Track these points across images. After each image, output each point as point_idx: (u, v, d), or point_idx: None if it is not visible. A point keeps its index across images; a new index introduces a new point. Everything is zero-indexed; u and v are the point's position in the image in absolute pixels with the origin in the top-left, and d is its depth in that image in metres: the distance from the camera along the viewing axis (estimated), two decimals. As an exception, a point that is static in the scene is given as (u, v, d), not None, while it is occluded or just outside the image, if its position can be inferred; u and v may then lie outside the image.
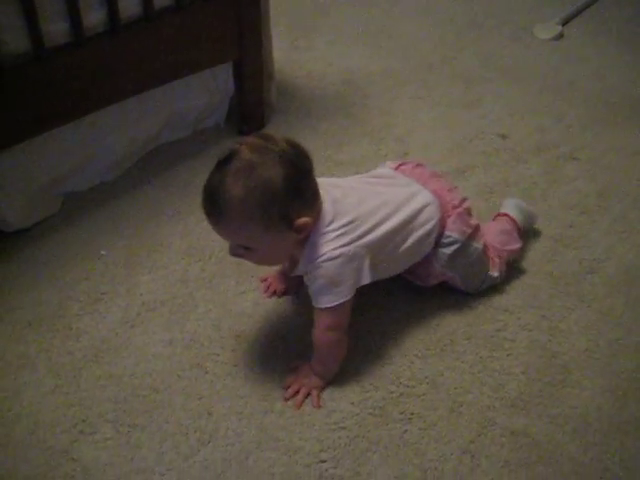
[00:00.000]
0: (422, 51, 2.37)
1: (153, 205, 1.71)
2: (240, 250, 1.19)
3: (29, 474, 1.16)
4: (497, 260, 1.46)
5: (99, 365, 1.34)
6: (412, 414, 1.26)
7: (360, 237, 1.22)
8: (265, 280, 1.49)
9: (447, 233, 1.35)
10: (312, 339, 1.27)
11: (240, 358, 1.35)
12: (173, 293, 1.47)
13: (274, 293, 1.47)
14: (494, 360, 1.35)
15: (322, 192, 1.22)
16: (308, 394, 1.27)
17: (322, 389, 1.29)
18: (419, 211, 1.32)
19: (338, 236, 1.20)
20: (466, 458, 1.19)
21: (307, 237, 1.20)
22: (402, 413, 1.26)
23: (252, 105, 1.91)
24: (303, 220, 1.16)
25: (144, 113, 1.74)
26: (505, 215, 1.56)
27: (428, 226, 1.32)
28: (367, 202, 1.27)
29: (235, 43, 1.77)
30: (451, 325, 1.41)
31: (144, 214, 1.68)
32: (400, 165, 1.42)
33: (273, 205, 1.12)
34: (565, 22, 2.52)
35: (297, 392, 1.27)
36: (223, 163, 1.13)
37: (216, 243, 1.58)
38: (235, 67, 1.85)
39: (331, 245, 1.19)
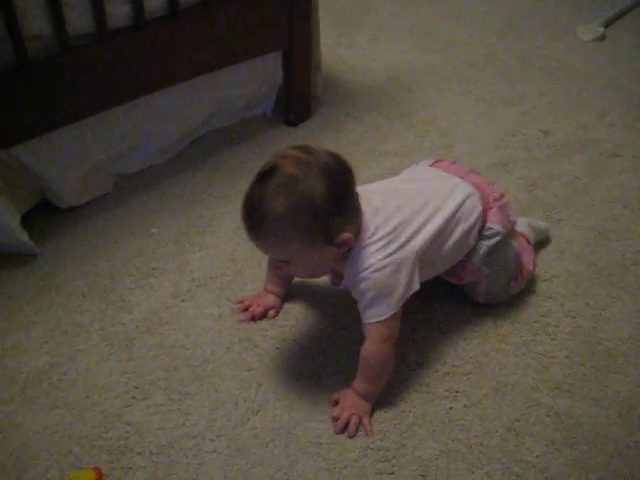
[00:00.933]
0: (464, 49, 2.40)
1: (202, 188, 1.75)
2: (280, 262, 1.17)
3: (86, 434, 1.20)
4: (520, 276, 1.41)
5: (151, 336, 1.37)
6: (457, 392, 1.28)
7: (406, 242, 1.19)
8: (241, 302, 1.43)
9: (489, 225, 1.32)
10: (361, 356, 1.21)
11: (288, 333, 1.38)
12: (222, 271, 1.51)
13: (253, 318, 1.40)
14: (538, 344, 1.37)
15: (363, 202, 1.19)
16: (360, 422, 1.21)
17: (371, 414, 1.23)
18: (462, 203, 1.29)
19: (383, 246, 1.17)
20: (511, 435, 1.21)
21: (349, 250, 1.17)
22: (447, 390, 1.28)
23: (299, 95, 1.95)
24: (345, 236, 1.12)
25: (195, 99, 1.78)
26: (520, 235, 1.48)
27: (472, 218, 1.30)
28: (409, 204, 1.24)
29: (286, 33, 1.81)
30: (495, 310, 1.43)
31: (193, 196, 1.72)
32: (436, 162, 1.41)
33: (314, 221, 1.09)
34: (608, 24, 2.54)
35: (347, 423, 1.21)
36: (264, 177, 1.10)
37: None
38: (284, 57, 1.89)
39: (377, 256, 1.16)
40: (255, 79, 1.90)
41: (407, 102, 2.11)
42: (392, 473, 1.15)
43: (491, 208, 1.33)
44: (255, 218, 1.11)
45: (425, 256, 1.22)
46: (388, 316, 1.17)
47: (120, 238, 1.59)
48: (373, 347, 1.19)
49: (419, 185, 1.33)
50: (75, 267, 1.52)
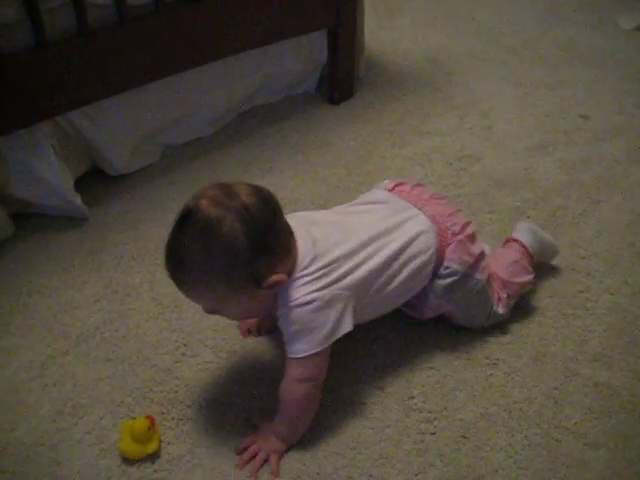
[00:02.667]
0: (504, 35, 2.43)
1: (247, 160, 1.79)
2: (212, 309, 1.12)
3: (137, 387, 1.24)
4: (503, 295, 1.32)
5: (199, 298, 1.41)
6: (497, 360, 1.31)
7: (340, 279, 1.11)
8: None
9: (446, 263, 1.22)
10: (279, 393, 1.14)
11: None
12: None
13: (248, 332, 1.33)
14: (577, 318, 1.39)
15: (301, 233, 1.12)
16: (266, 460, 1.13)
17: (282, 454, 1.14)
18: (413, 240, 1.20)
19: (313, 280, 1.09)
20: (550, 403, 1.23)
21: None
22: (487, 358, 1.31)
23: (343, 75, 1.98)
24: (274, 278, 1.05)
25: (243, 73, 1.83)
26: (515, 241, 1.41)
27: (424, 257, 1.20)
28: (352, 238, 1.16)
29: (332, 12, 1.85)
30: (534, 284, 1.45)
31: (238, 168, 1.76)
32: (397, 185, 1.31)
33: (237, 267, 1.02)
34: (649, 14, 2.55)
35: (254, 456, 1.13)
36: (182, 222, 1.04)
37: (308, 197, 1.66)
38: (330, 36, 1.92)
39: (304, 289, 1.08)
40: (301, 57, 1.93)
41: (447, 84, 2.14)
42: (434, 433, 1.18)
43: (449, 244, 1.23)
44: (175, 266, 1.05)
45: (365, 295, 1.15)
46: (307, 354, 1.09)
47: (167, 204, 1.63)
48: (286, 385, 1.13)
49: (367, 217, 1.23)
50: (124, 231, 1.57)
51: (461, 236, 1.24)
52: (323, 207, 1.63)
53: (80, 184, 1.61)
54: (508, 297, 1.34)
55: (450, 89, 2.12)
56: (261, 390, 1.24)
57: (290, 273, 1.08)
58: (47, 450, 1.15)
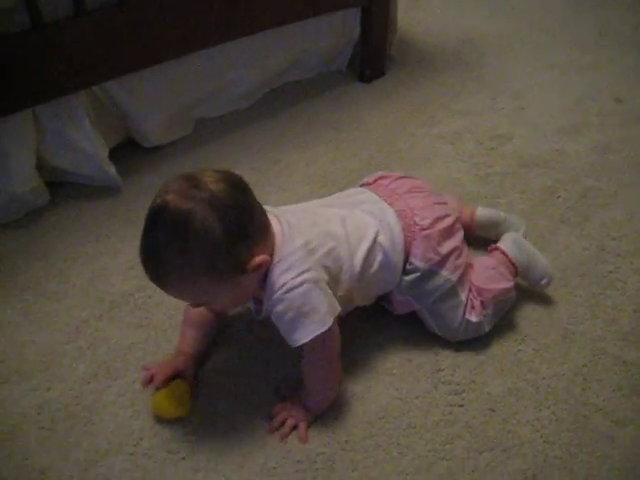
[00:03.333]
0: (537, 16, 2.42)
1: (279, 135, 1.80)
2: (199, 303, 1.10)
3: (170, 353, 1.26)
4: (476, 302, 1.26)
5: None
6: (526, 336, 1.31)
7: (319, 260, 1.10)
8: (147, 369, 1.21)
9: (410, 259, 1.22)
10: (302, 370, 1.16)
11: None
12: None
13: (150, 381, 1.18)
14: (607, 297, 1.39)
15: (273, 219, 1.11)
16: (295, 427, 1.15)
17: (310, 423, 1.16)
18: (377, 234, 1.20)
19: (296, 261, 1.07)
20: (578, 379, 1.24)
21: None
22: (516, 334, 1.31)
23: (375, 52, 1.99)
24: (257, 260, 1.03)
25: (276, 48, 1.83)
26: (497, 249, 1.34)
27: (388, 251, 1.20)
28: (324, 223, 1.16)
29: (366, -11, 1.85)
30: (564, 263, 1.45)
31: (270, 141, 1.78)
32: (378, 179, 1.32)
33: (218, 258, 1.00)
34: (686, -2, 2.52)
35: (283, 423, 1.15)
36: (152, 221, 1.02)
37: (339, 172, 1.67)
38: (363, 13, 1.93)
39: (289, 274, 1.06)
40: (334, 33, 1.94)
41: (479, 65, 2.13)
42: (462, 406, 1.20)
43: (414, 240, 1.22)
44: (154, 269, 1.02)
45: (343, 280, 1.15)
46: (313, 337, 1.07)
47: (201, 177, 1.65)
48: (305, 367, 1.15)
49: (335, 209, 1.22)
50: (158, 201, 1.59)
51: (428, 231, 1.21)
52: (355, 183, 1.63)
53: (114, 155, 1.63)
54: (483, 305, 1.26)
55: (482, 69, 2.11)
56: (294, 359, 1.25)
57: (271, 254, 1.07)
58: (82, 410, 1.18)
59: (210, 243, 0.98)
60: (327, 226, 1.16)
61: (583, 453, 1.13)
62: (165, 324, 1.32)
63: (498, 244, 1.35)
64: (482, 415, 1.18)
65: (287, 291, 1.06)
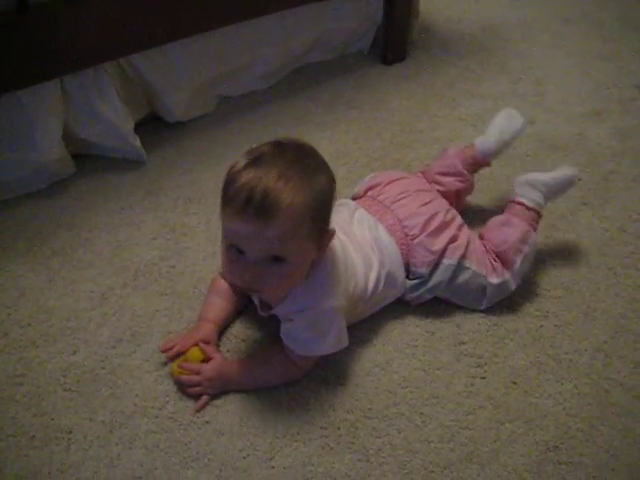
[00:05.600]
0: (558, 6, 2.42)
1: (301, 114, 1.81)
2: (264, 266, 1.03)
3: (193, 320, 1.26)
4: (496, 264, 1.29)
5: (254, 240, 1.44)
6: (548, 312, 1.32)
7: (349, 291, 1.16)
8: (167, 348, 1.20)
9: (411, 269, 1.26)
10: (268, 353, 1.19)
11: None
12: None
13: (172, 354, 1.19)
14: (628, 277, 1.40)
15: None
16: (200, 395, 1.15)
17: (213, 396, 1.15)
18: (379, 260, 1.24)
19: (334, 285, 1.12)
20: (599, 355, 1.25)
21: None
22: (538, 310, 1.32)
23: (397, 35, 1.99)
24: (330, 229, 1.08)
25: (299, 28, 1.84)
26: (511, 201, 1.36)
27: (390, 269, 1.24)
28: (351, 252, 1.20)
29: (391, -29, 1.85)
30: (585, 242, 1.46)
31: (293, 121, 1.78)
32: (369, 189, 1.35)
33: (321, 210, 1.03)
34: None
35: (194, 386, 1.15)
36: (277, 148, 1.03)
37: (362, 150, 1.68)
38: (386, -5, 1.94)
39: (327, 295, 1.11)
40: (357, 15, 1.94)
41: (500, 51, 2.14)
42: (484, 378, 1.20)
43: (409, 250, 1.26)
44: (263, 206, 0.96)
45: (354, 308, 1.19)
46: (312, 354, 1.14)
47: (223, 152, 1.66)
48: (281, 358, 1.16)
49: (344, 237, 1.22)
50: (181, 175, 1.60)
51: (419, 238, 1.25)
52: (378, 161, 1.65)
53: (139, 129, 1.63)
54: (505, 265, 1.29)
55: (503, 55, 2.11)
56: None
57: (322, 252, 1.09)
58: (107, 373, 1.19)
59: (322, 194, 1.03)
60: (355, 263, 1.19)
61: (605, 426, 1.14)
62: (189, 292, 1.33)
63: (515, 196, 1.35)
64: (504, 387, 1.19)
65: (317, 313, 1.11)
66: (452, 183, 1.42)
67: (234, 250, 1.03)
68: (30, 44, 1.34)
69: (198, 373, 1.14)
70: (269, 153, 1.02)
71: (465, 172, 1.43)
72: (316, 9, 1.82)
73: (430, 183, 1.41)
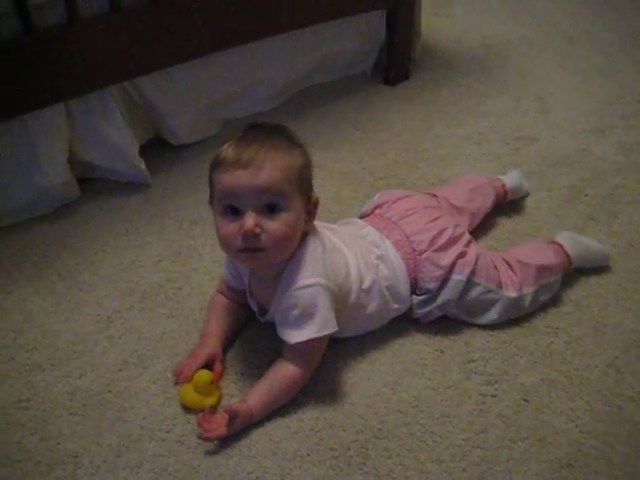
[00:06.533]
0: (559, 24, 2.44)
1: (305, 135, 1.74)
2: (261, 217, 1.05)
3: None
4: (515, 278, 1.29)
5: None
6: (557, 328, 1.31)
7: (336, 275, 1.15)
8: (177, 374, 1.19)
9: (419, 284, 1.26)
10: (270, 373, 1.15)
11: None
12: (328, 207, 1.55)
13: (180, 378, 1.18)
14: (637, 292, 1.38)
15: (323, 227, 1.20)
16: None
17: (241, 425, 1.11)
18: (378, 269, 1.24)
19: (315, 264, 1.12)
20: (611, 371, 1.23)
21: (287, 263, 1.12)
22: (548, 327, 1.31)
23: (400, 55, 2.00)
24: (315, 195, 1.13)
25: (302, 50, 1.85)
26: (552, 242, 1.38)
27: (393, 282, 1.24)
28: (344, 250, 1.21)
29: (392, -8, 1.87)
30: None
31: (298, 142, 1.78)
32: (376, 208, 1.35)
33: (305, 174, 1.11)
34: None
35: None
36: (250, 133, 1.10)
37: (367, 170, 1.68)
38: (389, 17, 1.95)
39: (305, 273, 1.10)
40: (359, 36, 1.96)
41: (502, 69, 2.15)
42: (495, 396, 1.19)
43: (417, 265, 1.26)
44: (254, 157, 1.03)
45: (344, 306, 1.17)
46: (310, 338, 1.11)
47: (228, 175, 1.65)
48: (281, 365, 1.14)
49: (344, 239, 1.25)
50: (186, 197, 1.60)
51: (426, 254, 1.25)
52: (383, 180, 1.65)
53: (143, 152, 1.64)
54: (523, 280, 1.28)
55: (505, 73, 2.12)
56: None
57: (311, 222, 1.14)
58: (114, 397, 1.18)
59: (302, 152, 1.12)
60: (346, 255, 1.20)
61: (619, 443, 1.12)
62: (196, 314, 1.32)
63: (556, 238, 1.39)
64: (515, 405, 1.17)
65: (299, 288, 1.10)
66: (483, 202, 1.46)
67: (229, 212, 1.07)
68: (35, 68, 1.36)
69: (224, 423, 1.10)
70: (249, 131, 1.10)
71: (494, 196, 1.47)
72: (319, 31, 1.84)
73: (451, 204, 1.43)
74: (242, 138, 1.08)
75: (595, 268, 1.42)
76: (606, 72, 2.14)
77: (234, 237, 1.06)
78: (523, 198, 1.60)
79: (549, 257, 1.34)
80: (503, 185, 1.52)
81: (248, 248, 1.07)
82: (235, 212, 1.06)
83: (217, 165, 1.08)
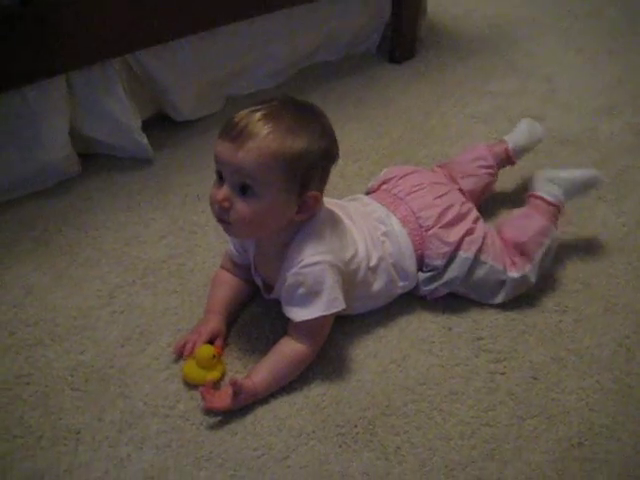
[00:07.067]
0: (566, 3, 2.40)
1: (310, 112, 1.78)
2: (234, 194, 1.04)
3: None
4: (516, 258, 1.26)
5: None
6: (567, 307, 1.29)
7: (344, 254, 1.13)
8: (179, 348, 1.17)
9: (426, 261, 1.24)
10: (275, 348, 1.13)
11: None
12: (333, 184, 1.53)
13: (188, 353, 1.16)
14: (647, 272, 1.37)
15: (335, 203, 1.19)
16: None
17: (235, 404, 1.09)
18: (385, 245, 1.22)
19: (321, 241, 1.10)
20: (621, 350, 1.21)
21: (292, 238, 1.11)
22: (557, 305, 1.29)
23: (406, 33, 1.97)
24: (313, 193, 1.07)
25: (307, 26, 1.82)
26: (530, 196, 1.34)
27: (399, 259, 1.22)
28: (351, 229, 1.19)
29: (399, -33, 1.83)
30: (602, 237, 1.43)
31: (301, 119, 1.75)
32: (383, 183, 1.33)
33: (297, 168, 1.03)
34: None
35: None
36: (269, 105, 1.06)
37: (373, 148, 1.66)
38: (394, -7, 1.91)
39: (310, 250, 1.09)
40: (365, 13, 1.92)
41: (509, 49, 2.11)
42: (504, 374, 1.17)
43: (423, 241, 1.24)
44: (251, 127, 1.01)
45: (351, 285, 1.16)
46: (316, 316, 1.09)
47: (232, 151, 1.63)
48: (287, 342, 1.13)
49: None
50: (190, 174, 1.58)
51: (433, 230, 1.23)
52: (389, 158, 1.63)
53: (146, 128, 1.60)
54: (525, 258, 1.26)
55: (512, 53, 2.09)
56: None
57: (317, 210, 1.10)
58: (116, 372, 1.16)
59: (314, 147, 1.04)
60: (353, 233, 1.18)
61: (630, 422, 1.11)
62: (199, 290, 1.30)
63: (533, 191, 1.34)
64: (525, 383, 1.16)
65: (304, 266, 1.08)
66: (482, 176, 1.40)
67: (218, 177, 1.06)
68: (34, 38, 1.33)
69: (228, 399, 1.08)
70: (273, 101, 1.07)
71: (495, 165, 1.42)
72: (323, 7, 1.80)
73: (452, 177, 1.39)
74: (257, 108, 1.05)
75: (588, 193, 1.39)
76: (614, 52, 2.11)
77: (213, 199, 1.07)
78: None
79: (537, 222, 1.28)
80: (506, 149, 1.45)
81: (219, 217, 1.07)
82: (221, 179, 1.06)
83: (222, 127, 1.07)
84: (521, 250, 1.26)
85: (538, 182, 1.34)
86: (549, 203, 1.31)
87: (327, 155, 1.08)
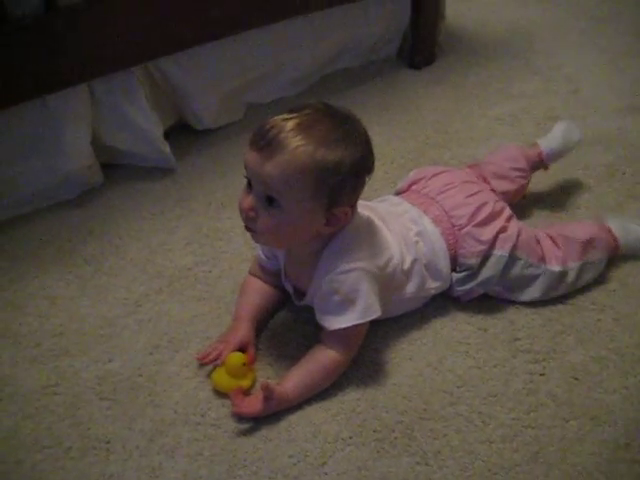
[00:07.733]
0: (585, 5, 2.37)
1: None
2: (260, 205, 1.02)
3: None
4: (558, 252, 1.24)
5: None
6: (604, 306, 1.25)
7: (379, 260, 1.10)
8: (203, 357, 1.14)
9: (460, 260, 1.21)
10: (310, 355, 1.11)
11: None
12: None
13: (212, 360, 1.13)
14: (684, 270, 1.33)
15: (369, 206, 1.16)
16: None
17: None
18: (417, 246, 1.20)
19: (358, 247, 1.08)
20: (664, 350, 1.18)
21: (325, 244, 1.08)
22: (594, 304, 1.26)
23: (426, 38, 1.95)
24: (344, 209, 1.04)
25: (327, 33, 1.81)
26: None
27: (433, 259, 1.20)
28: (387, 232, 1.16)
29: (417, -27, 1.82)
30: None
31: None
32: (412, 184, 1.31)
33: (327, 182, 0.99)
34: None
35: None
36: (305, 113, 1.01)
37: (397, 151, 1.64)
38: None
39: (348, 257, 1.06)
40: (384, 19, 1.91)
41: (529, 51, 2.09)
42: (543, 374, 1.14)
43: (457, 240, 1.21)
44: (281, 138, 0.98)
45: (387, 290, 1.13)
46: (351, 325, 1.07)
47: (254, 158, 1.61)
48: (321, 350, 1.10)
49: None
50: (212, 181, 1.56)
51: (466, 229, 1.20)
52: (414, 161, 1.60)
53: (167, 137, 1.59)
54: (567, 255, 1.24)
55: (532, 55, 2.07)
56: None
57: (347, 222, 1.07)
58: (145, 381, 1.13)
59: (346, 161, 1.00)
60: (387, 236, 1.15)
61: (677, 421, 1.06)
62: (227, 297, 1.27)
63: (604, 221, 1.33)
64: (565, 384, 1.12)
65: (340, 273, 1.06)
66: (515, 180, 1.38)
67: (247, 184, 1.04)
68: (56, 46, 1.32)
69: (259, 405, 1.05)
70: (307, 109, 1.03)
71: (528, 170, 1.40)
72: (344, 13, 1.79)
73: (483, 178, 1.36)
74: (291, 116, 1.01)
75: None
76: (636, 52, 2.08)
77: (240, 207, 1.05)
78: (565, 177, 1.54)
79: (595, 234, 1.28)
80: (539, 153, 1.43)
81: (246, 225, 1.06)
82: (250, 185, 1.04)
83: (253, 132, 1.04)
84: (568, 245, 1.25)
85: (611, 219, 1.34)
86: (614, 237, 1.30)
87: (361, 167, 1.04)
